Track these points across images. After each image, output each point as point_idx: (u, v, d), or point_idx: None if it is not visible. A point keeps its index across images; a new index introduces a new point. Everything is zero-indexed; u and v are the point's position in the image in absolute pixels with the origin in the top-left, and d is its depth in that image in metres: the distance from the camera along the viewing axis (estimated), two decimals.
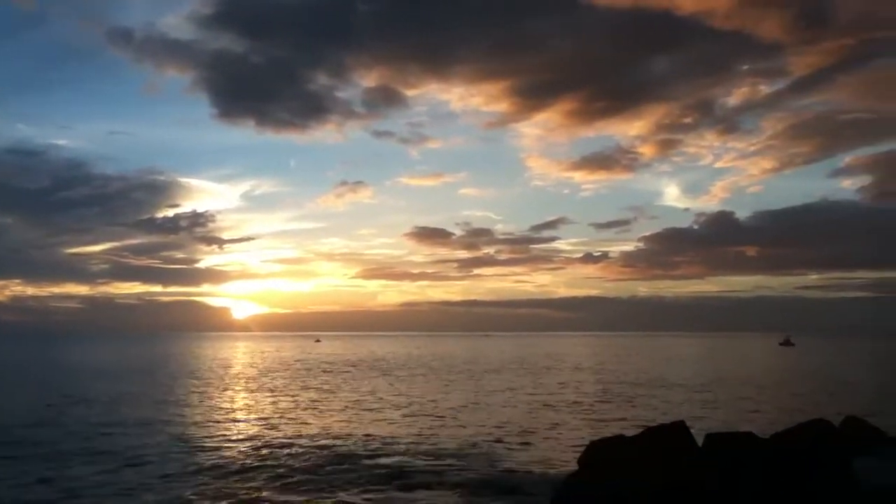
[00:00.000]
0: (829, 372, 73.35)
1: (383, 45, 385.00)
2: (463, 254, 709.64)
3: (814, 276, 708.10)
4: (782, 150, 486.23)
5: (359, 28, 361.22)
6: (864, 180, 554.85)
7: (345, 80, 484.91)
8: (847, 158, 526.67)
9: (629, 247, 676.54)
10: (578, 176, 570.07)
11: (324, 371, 75.31)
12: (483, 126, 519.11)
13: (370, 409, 38.75)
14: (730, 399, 43.55)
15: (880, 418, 19.13)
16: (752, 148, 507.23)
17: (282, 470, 22.32)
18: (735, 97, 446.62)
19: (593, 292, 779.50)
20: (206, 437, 29.13)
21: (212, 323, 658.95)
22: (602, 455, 15.40)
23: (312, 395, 47.57)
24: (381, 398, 45.11)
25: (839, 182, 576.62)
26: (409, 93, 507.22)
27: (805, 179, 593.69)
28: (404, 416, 36.11)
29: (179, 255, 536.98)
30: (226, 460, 24.01)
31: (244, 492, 19.57)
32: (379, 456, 24.53)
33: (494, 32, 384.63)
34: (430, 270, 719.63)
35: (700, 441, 15.52)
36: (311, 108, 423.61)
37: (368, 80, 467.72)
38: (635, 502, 13.36)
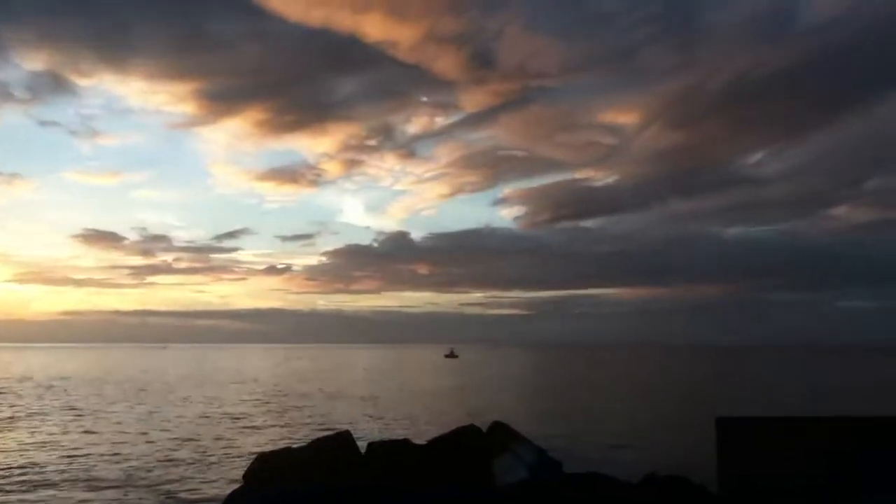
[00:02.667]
0: (484, 382, 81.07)
1: (50, 25, 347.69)
2: (137, 260, 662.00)
3: (476, 294, 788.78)
4: (454, 178, 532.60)
5: (21, 2, 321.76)
6: (518, 210, 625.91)
7: (1, 58, 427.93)
8: (506, 190, 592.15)
9: (313, 260, 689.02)
10: (265, 187, 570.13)
11: None
12: (165, 126, 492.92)
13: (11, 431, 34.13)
14: (395, 408, 46.13)
15: (521, 422, 21.66)
16: (428, 174, 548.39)
17: None
18: (414, 125, 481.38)
19: (276, 304, 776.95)
20: None
21: None
22: (268, 467, 15.44)
23: None
24: (30, 419, 40.20)
25: (499, 210, 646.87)
26: (81, 82, 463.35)
27: (472, 206, 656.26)
28: (53, 437, 32.14)
29: None
30: None
31: None
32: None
33: (176, 28, 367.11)
34: (98, 277, 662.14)
35: (364, 449, 16.30)
36: None
37: (32, 61, 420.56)
38: None
